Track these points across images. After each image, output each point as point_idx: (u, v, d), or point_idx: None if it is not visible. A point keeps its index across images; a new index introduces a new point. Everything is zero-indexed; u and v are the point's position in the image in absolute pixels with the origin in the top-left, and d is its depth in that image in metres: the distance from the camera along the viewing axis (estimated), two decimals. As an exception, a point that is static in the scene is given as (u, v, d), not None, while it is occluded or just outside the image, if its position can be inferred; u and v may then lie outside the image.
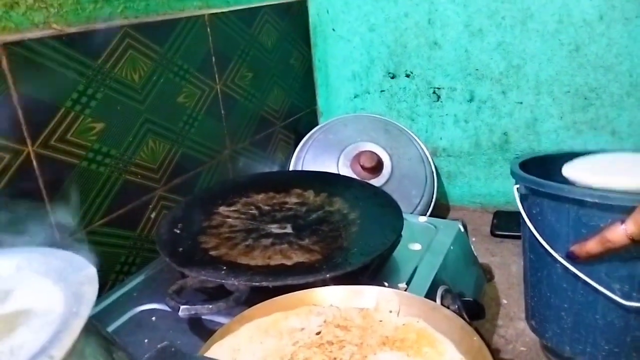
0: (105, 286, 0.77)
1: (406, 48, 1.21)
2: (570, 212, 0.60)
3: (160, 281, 0.74)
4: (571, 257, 0.57)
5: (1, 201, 0.62)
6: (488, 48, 1.14)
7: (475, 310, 0.66)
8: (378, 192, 0.91)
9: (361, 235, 0.75)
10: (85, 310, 0.30)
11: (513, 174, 0.68)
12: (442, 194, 1.30)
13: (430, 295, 0.66)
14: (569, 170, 0.65)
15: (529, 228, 0.64)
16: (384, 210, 0.81)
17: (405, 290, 0.67)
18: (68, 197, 0.71)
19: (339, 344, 0.53)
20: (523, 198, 0.65)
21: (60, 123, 0.69)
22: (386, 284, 0.67)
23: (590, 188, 0.60)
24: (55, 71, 0.68)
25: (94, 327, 0.36)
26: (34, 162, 0.66)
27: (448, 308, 0.62)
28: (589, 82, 1.09)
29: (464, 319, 0.54)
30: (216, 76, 0.97)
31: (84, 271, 0.34)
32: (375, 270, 0.70)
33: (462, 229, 0.84)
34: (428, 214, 1.13)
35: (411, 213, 1.08)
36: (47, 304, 0.34)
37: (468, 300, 0.66)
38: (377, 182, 1.11)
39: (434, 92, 1.23)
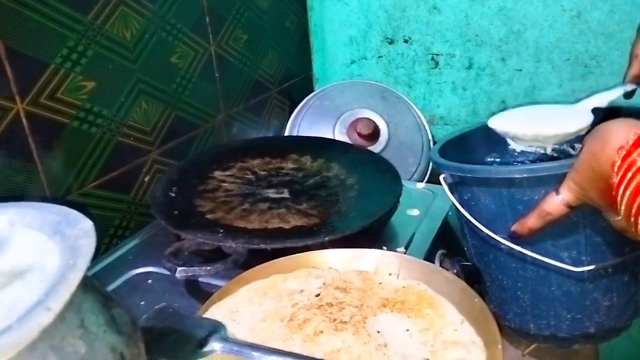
0: (99, 250, 0.76)
1: (405, 12, 1.19)
2: (502, 191, 0.58)
3: (155, 245, 0.73)
4: (514, 237, 0.56)
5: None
6: (489, 13, 1.11)
7: (473, 274, 0.65)
8: (376, 158, 0.89)
9: (359, 200, 0.74)
10: (83, 262, 0.29)
11: (435, 163, 0.64)
12: (437, 162, 1.29)
13: (429, 259, 0.66)
14: (497, 122, 0.64)
15: (464, 216, 0.62)
16: (382, 176, 0.80)
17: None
18: (59, 157, 0.69)
19: (339, 305, 0.53)
20: (452, 187, 0.63)
21: (50, 80, 0.66)
22: (385, 248, 0.67)
23: (519, 138, 0.60)
24: (44, 25, 0.65)
25: (91, 283, 0.35)
26: (24, 120, 0.64)
27: (447, 271, 0.61)
28: (590, 50, 1.07)
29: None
30: (210, 37, 0.94)
31: (79, 224, 0.33)
32: (373, 234, 0.69)
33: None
34: (424, 182, 1.12)
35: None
36: (43, 258, 0.33)
37: (467, 264, 0.65)
38: (373, 149, 1.10)
39: (432, 59, 1.21)
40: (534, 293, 0.62)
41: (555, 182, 0.49)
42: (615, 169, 0.38)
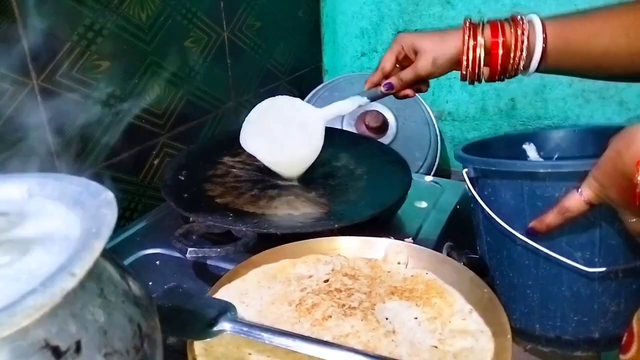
0: (107, 229, 0.76)
1: (418, 6, 1.18)
2: (524, 186, 0.59)
3: (163, 227, 0.73)
4: (531, 233, 0.56)
5: (6, 134, 0.60)
6: (502, 9, 1.11)
7: (481, 268, 0.65)
8: (385, 149, 0.90)
9: (368, 190, 0.74)
10: (106, 231, 0.29)
11: (459, 158, 0.66)
12: (444, 158, 1.29)
13: (437, 251, 0.66)
14: (246, 142, 0.74)
15: (483, 210, 0.63)
16: (391, 167, 0.80)
17: (413, 245, 0.67)
18: (72, 135, 0.69)
19: (347, 291, 0.53)
20: (473, 182, 0.64)
21: (65, 57, 0.66)
22: (392, 238, 0.67)
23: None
24: (61, 2, 0.65)
25: (109, 254, 0.35)
26: (38, 96, 0.64)
27: (455, 263, 0.61)
28: (602, 50, 1.07)
29: (472, 272, 0.54)
30: (224, 22, 0.94)
31: (101, 195, 0.33)
32: (382, 224, 0.70)
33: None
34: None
35: (414, 174, 1.07)
36: (63, 227, 0.33)
37: (474, 257, 0.65)
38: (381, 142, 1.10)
39: (443, 54, 1.20)
40: (543, 292, 0.63)
41: (577, 179, 0.50)
42: None
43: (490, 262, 0.67)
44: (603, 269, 0.58)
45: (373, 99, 0.74)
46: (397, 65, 0.72)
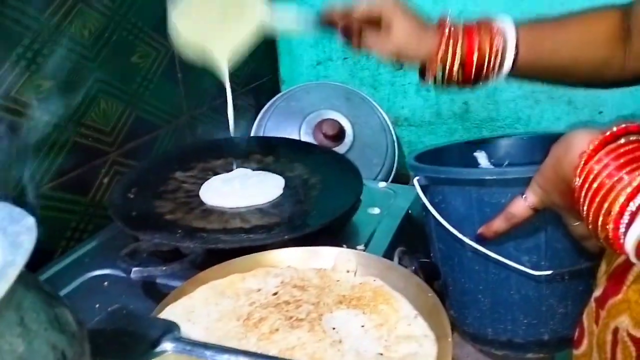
0: (54, 252, 0.74)
1: (369, 14, 1.20)
2: (472, 193, 0.61)
3: (113, 248, 0.71)
4: (480, 239, 0.58)
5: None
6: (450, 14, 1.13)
7: (431, 271, 0.66)
8: (338, 157, 0.90)
9: (321, 199, 0.74)
10: (21, 258, 0.28)
11: (411, 167, 0.67)
12: (402, 163, 1.30)
13: (388, 256, 0.67)
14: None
15: (434, 218, 0.64)
16: (344, 175, 0.80)
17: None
18: (13, 157, 0.67)
19: (296, 303, 0.53)
20: (424, 189, 0.65)
21: (4, 79, 0.65)
22: (345, 246, 0.67)
23: None
24: (-3, 23, 0.63)
25: (34, 281, 0.34)
26: (-25, 120, 0.62)
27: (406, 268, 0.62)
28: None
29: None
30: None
31: (22, 221, 0.32)
32: (334, 233, 0.70)
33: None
34: (389, 182, 1.13)
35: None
36: (-18, 256, 0.32)
37: (425, 261, 0.66)
38: (338, 150, 1.11)
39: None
40: (494, 296, 0.64)
41: (522, 185, 0.51)
42: (577, 172, 0.40)
43: (442, 269, 0.68)
44: (549, 272, 0.60)
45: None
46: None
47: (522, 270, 0.59)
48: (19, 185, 0.68)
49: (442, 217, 0.63)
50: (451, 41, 0.60)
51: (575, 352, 0.51)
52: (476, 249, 0.60)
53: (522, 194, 0.51)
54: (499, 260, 0.60)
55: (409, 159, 0.69)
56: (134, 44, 0.85)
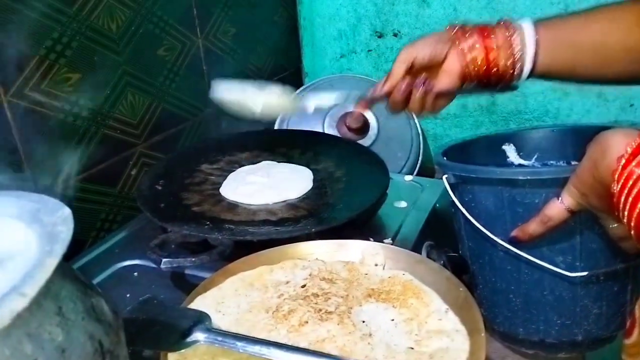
0: (85, 243, 0.75)
1: (394, 6, 1.18)
2: (504, 193, 0.59)
3: (142, 238, 0.72)
4: (514, 242, 0.57)
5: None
6: (477, 6, 1.11)
7: (461, 265, 0.65)
8: (364, 150, 0.89)
9: (347, 192, 0.74)
10: (60, 249, 0.29)
11: (440, 164, 0.65)
12: (427, 156, 1.29)
13: (416, 251, 0.66)
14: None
15: (464, 216, 0.63)
16: (370, 168, 0.80)
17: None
18: (44, 150, 0.68)
19: (325, 296, 0.53)
20: (453, 187, 0.63)
21: (34, 72, 0.66)
22: (372, 239, 0.67)
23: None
24: (28, 16, 0.64)
25: (71, 271, 0.34)
26: (8, 113, 0.63)
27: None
28: (578, 43, 1.07)
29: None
30: (198, 30, 0.94)
31: (58, 212, 0.33)
32: (360, 226, 0.69)
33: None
34: (414, 175, 1.12)
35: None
36: (20, 246, 0.32)
37: (453, 255, 0.65)
38: (363, 143, 1.10)
39: (422, 53, 1.21)
40: (526, 296, 0.63)
41: (556, 185, 0.50)
42: (616, 177, 0.40)
43: (473, 267, 0.67)
44: (585, 273, 0.58)
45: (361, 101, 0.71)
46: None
47: (556, 272, 0.58)
48: (52, 178, 0.70)
49: (472, 215, 0.61)
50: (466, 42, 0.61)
51: (626, 341, 0.50)
52: (508, 249, 0.59)
53: (557, 196, 0.49)
54: (531, 261, 0.58)
55: (436, 154, 0.67)
56: (160, 37, 0.86)
